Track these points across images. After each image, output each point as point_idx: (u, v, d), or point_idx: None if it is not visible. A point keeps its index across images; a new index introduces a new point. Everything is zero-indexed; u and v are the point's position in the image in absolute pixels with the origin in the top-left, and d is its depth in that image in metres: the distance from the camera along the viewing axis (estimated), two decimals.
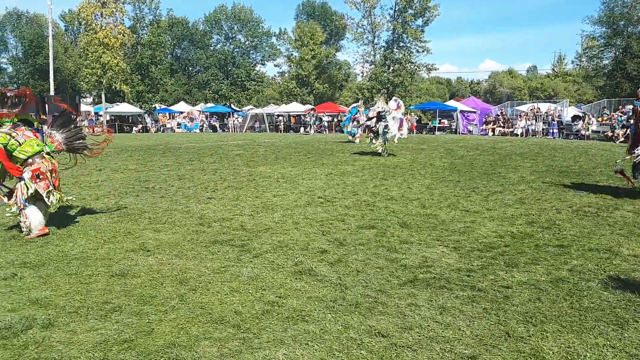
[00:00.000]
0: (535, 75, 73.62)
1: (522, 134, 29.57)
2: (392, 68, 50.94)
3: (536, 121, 30.00)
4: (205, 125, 42.56)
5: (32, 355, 3.26)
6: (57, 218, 7.15)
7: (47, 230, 6.30)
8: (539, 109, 31.63)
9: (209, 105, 49.45)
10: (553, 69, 68.24)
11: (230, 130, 42.26)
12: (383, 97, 17.75)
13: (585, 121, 27.55)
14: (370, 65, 54.36)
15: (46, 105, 19.33)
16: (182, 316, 3.87)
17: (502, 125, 31.71)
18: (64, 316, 3.86)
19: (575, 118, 29.07)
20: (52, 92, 34.22)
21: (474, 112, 35.62)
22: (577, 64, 63.49)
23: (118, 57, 42.96)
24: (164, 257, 5.39)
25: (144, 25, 56.21)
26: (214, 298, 4.24)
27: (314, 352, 3.33)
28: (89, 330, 3.61)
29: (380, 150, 15.82)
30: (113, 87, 43.91)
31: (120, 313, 3.92)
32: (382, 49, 52.24)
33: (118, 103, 46.96)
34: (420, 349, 3.36)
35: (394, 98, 17.05)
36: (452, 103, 40.38)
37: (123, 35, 43.68)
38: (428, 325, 3.70)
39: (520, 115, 32.01)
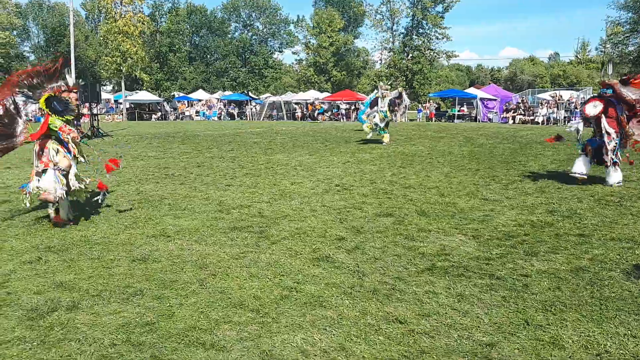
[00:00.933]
0: (558, 62, 72.15)
1: (543, 122, 29.10)
2: (411, 55, 50.43)
3: (558, 109, 29.47)
4: (223, 113, 42.76)
5: (58, 336, 3.35)
6: (80, 205, 7.29)
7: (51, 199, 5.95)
8: (561, 96, 31.06)
9: (227, 93, 49.63)
10: (576, 56, 66.78)
11: (248, 118, 42.39)
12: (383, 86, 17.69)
13: None
14: (389, 52, 53.85)
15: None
16: (202, 300, 3.94)
17: (522, 113, 31.24)
18: (88, 299, 3.95)
19: None
20: (73, 80, 34.68)
21: (494, 100, 35.13)
22: (601, 51, 62.06)
23: (137, 45, 43.29)
24: (184, 242, 5.47)
25: (163, 13, 56.48)
26: (233, 283, 4.30)
27: (331, 337, 3.36)
28: (111, 313, 3.70)
29: (381, 137, 16.21)
30: (132, 75, 44.32)
31: (141, 297, 4.00)
32: (401, 35, 51.76)
33: (137, 91, 47.41)
34: (437, 335, 3.37)
35: (399, 89, 17.35)
36: (472, 90, 39.90)
37: (142, 23, 43.98)
38: (446, 313, 3.71)
39: (542, 103, 31.48)
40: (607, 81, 8.49)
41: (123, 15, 42.82)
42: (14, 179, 9.50)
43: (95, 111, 21.84)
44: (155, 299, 3.96)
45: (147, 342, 3.27)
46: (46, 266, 4.71)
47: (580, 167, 8.61)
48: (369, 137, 16.50)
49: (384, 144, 15.93)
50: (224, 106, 44.28)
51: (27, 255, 4.98)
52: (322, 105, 40.63)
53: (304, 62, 60.57)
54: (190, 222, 6.33)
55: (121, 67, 42.95)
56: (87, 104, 21.64)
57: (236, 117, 42.66)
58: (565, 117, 28.77)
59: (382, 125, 15.95)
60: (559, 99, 30.35)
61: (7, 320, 3.58)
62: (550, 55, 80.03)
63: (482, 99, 34.86)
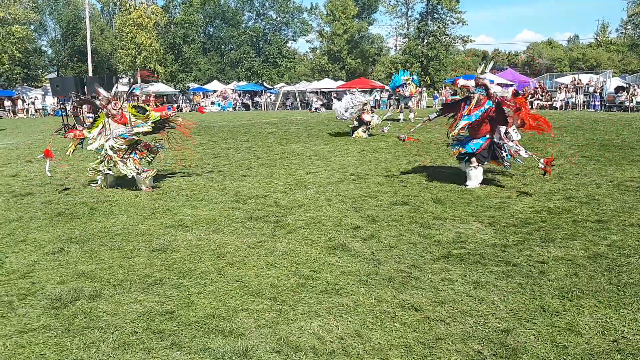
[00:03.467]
0: (577, 45, 70.67)
1: (561, 107, 28.63)
2: (426, 41, 49.85)
3: (577, 93, 28.93)
4: (238, 104, 42.85)
5: (82, 324, 3.45)
6: (99, 196, 7.43)
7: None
8: (580, 80, 30.46)
9: (242, 83, 49.65)
10: (596, 38, 65.28)
11: (263, 108, 42.44)
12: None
13: (630, 92, 26.39)
14: (404, 38, 53.31)
15: (85, 86, 19.90)
16: (220, 289, 4.01)
17: (540, 98, 30.76)
18: (109, 288, 4.05)
19: (618, 89, 27.87)
20: (90, 74, 35.05)
21: (511, 85, 34.63)
22: (621, 32, 60.61)
23: (152, 37, 43.49)
24: (202, 232, 5.55)
25: (177, 4, 56.48)
26: (251, 272, 4.36)
27: (348, 323, 3.41)
28: (132, 302, 3.79)
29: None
30: (147, 67, 44.58)
31: (161, 286, 4.09)
32: (416, 21, 51.11)
33: (153, 83, 47.69)
34: (453, 322, 3.39)
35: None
36: (488, 76, 39.33)
37: (156, 14, 44.11)
38: (462, 300, 3.72)
39: (560, 88, 30.93)
40: (481, 81, 7.59)
41: (137, 8, 43.01)
42: (35, 172, 9.70)
43: None
44: (175, 287, 4.05)
45: (167, 330, 3.35)
46: (68, 257, 4.83)
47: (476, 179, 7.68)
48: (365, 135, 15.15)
49: (384, 130, 15.32)
50: (239, 97, 44.35)
51: (50, 247, 5.11)
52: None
53: (317, 51, 60.27)
54: (208, 213, 6.41)
55: (136, 60, 43.23)
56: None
57: (251, 107, 42.74)
58: (584, 102, 28.23)
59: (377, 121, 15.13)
60: (577, 83, 29.78)
61: (33, 309, 3.69)
62: (570, 38, 78.39)
63: (498, 85, 34.38)
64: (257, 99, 44.15)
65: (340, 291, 3.93)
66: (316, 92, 39.60)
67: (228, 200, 7.09)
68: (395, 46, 58.85)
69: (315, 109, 33.03)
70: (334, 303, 3.72)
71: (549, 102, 29.92)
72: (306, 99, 41.55)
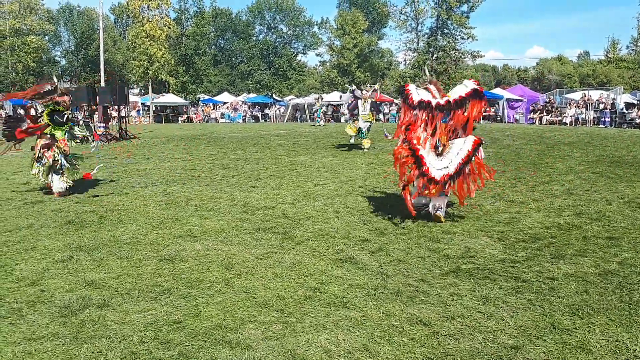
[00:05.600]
0: (587, 62, 70.48)
1: (571, 123, 28.51)
2: (435, 55, 49.97)
3: (587, 109, 28.81)
4: (247, 116, 43.12)
5: (89, 332, 3.46)
6: (109, 205, 7.48)
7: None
8: (591, 96, 30.36)
9: (252, 95, 50.00)
10: (606, 55, 65.11)
11: (272, 120, 42.65)
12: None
13: None
14: (413, 52, 53.47)
15: (97, 96, 20.13)
16: (227, 300, 4.00)
17: (548, 112, 30.67)
18: (117, 297, 4.06)
19: (629, 106, 27.74)
20: (102, 84, 35.45)
21: (521, 100, 34.57)
22: (632, 49, 60.40)
23: (163, 49, 44.03)
24: (210, 242, 5.56)
25: (188, 17, 57.23)
26: (258, 283, 4.36)
27: (355, 337, 3.38)
28: (140, 311, 3.79)
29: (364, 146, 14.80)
30: (159, 78, 45.07)
31: (169, 295, 4.09)
32: (426, 36, 51.29)
33: (164, 94, 48.17)
34: (462, 337, 3.36)
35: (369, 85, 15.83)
36: (497, 91, 39.32)
37: (168, 27, 44.69)
38: (470, 315, 3.69)
39: (570, 104, 30.83)
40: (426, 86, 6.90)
41: (150, 20, 43.62)
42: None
43: (123, 113, 22.28)
44: (182, 297, 4.05)
45: (175, 340, 3.34)
46: (77, 265, 4.85)
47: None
48: (351, 141, 15.30)
49: (364, 149, 14.67)
50: (249, 108, 44.66)
51: (59, 254, 5.14)
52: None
53: (327, 64, 60.63)
54: (216, 223, 6.43)
55: (148, 71, 43.75)
56: (115, 107, 22.11)
57: (260, 119, 42.97)
58: (594, 118, 28.10)
59: (365, 130, 14.73)
60: (588, 99, 29.67)
61: (42, 316, 3.71)
62: (580, 54, 78.23)
63: (507, 100, 34.35)
64: (266, 111, 44.44)
65: (348, 304, 3.91)
66: (318, 99, 38.58)
67: (236, 211, 7.10)
68: (405, 60, 59.01)
69: (318, 122, 31.57)
70: (342, 316, 3.70)
71: (559, 118, 29.81)
72: (312, 110, 41.59)
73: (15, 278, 4.49)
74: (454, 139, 6.53)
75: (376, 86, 16.01)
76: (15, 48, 45.80)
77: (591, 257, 4.93)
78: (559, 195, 7.92)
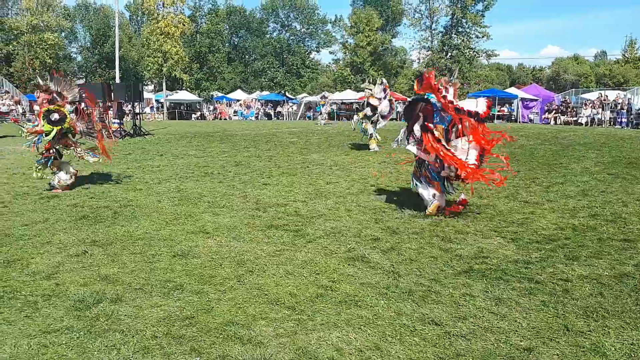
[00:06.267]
0: (604, 61, 69.53)
1: (586, 123, 28.16)
2: (450, 54, 49.68)
3: (603, 110, 28.43)
4: (260, 113, 43.23)
5: (103, 326, 3.50)
6: (123, 200, 7.55)
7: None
8: (607, 96, 29.95)
9: (265, 93, 50.10)
10: (623, 54, 64.15)
11: (285, 118, 42.72)
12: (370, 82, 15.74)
13: None
14: (427, 51, 53.23)
15: (112, 92, 20.32)
16: (239, 296, 4.02)
17: (563, 112, 30.32)
18: (131, 292, 4.10)
19: None
20: (117, 80, 35.72)
21: (535, 100, 34.21)
22: None
23: (178, 46, 44.27)
24: (223, 239, 5.59)
25: (203, 14, 57.47)
26: (270, 280, 4.37)
27: (366, 336, 3.38)
28: (153, 306, 3.83)
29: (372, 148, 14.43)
30: (173, 75, 45.34)
31: (181, 291, 4.13)
32: (440, 34, 51.02)
33: (177, 91, 48.45)
34: (474, 338, 3.34)
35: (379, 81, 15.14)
36: (512, 90, 38.99)
37: (183, 24, 44.91)
38: (483, 316, 3.67)
39: (585, 104, 30.44)
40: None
41: (165, 17, 43.89)
42: None
43: (137, 110, 22.46)
44: (195, 293, 4.08)
45: (187, 336, 3.37)
46: (92, 259, 4.91)
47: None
48: (374, 149, 14.58)
49: (371, 149, 14.42)
50: (262, 106, 44.77)
51: (74, 249, 5.20)
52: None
53: (340, 62, 60.53)
54: (229, 220, 6.46)
55: (162, 68, 44.04)
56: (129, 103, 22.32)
57: (273, 117, 43.06)
58: (610, 118, 27.71)
59: (371, 130, 14.42)
60: (604, 100, 29.28)
61: (57, 310, 3.76)
62: (597, 54, 77.24)
63: (522, 99, 34.02)
64: (279, 108, 44.51)
65: (360, 303, 3.91)
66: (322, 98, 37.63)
67: (249, 208, 7.13)
68: (419, 59, 58.74)
69: (322, 121, 30.13)
70: (353, 315, 3.70)
71: (574, 118, 29.46)
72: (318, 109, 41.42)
73: (31, 271, 4.56)
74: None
75: (378, 81, 15.33)
76: (32, 44, 46.38)
77: (606, 259, 4.87)
78: (574, 196, 7.83)
